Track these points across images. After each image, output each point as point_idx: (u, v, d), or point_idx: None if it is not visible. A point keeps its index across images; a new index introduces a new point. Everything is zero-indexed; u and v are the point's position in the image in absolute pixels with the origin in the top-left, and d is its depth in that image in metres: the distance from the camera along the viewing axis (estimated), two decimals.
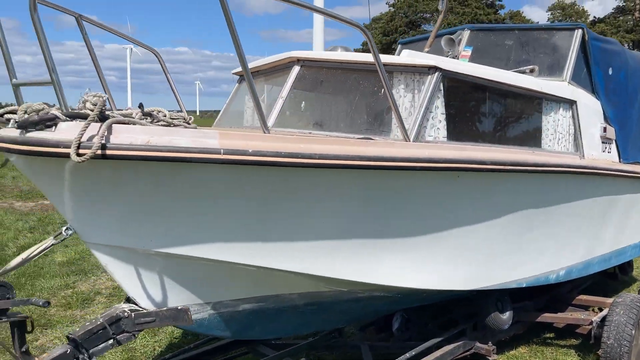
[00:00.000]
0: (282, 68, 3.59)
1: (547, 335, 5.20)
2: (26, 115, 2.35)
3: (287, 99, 3.34)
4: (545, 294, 4.96)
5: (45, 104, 2.47)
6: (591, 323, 4.59)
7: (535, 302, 4.88)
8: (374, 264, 3.11)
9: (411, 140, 2.98)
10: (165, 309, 2.80)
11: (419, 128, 3.04)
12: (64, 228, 2.63)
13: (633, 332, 4.10)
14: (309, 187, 2.70)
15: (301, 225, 2.82)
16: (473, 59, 4.61)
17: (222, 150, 2.34)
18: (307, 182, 2.68)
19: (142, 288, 2.85)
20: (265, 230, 2.78)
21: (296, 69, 3.37)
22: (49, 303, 2.54)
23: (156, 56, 3.73)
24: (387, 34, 52.66)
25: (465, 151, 3.07)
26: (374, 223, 2.99)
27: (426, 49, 4.96)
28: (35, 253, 2.58)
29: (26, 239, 8.87)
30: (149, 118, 2.62)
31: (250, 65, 4.04)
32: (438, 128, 3.18)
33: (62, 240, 2.63)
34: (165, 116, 2.71)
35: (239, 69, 4.29)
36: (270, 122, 3.16)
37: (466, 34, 4.86)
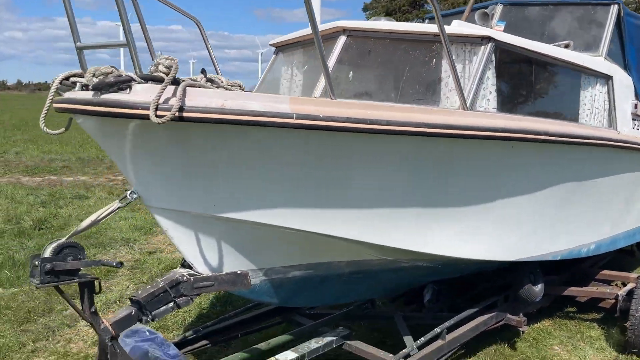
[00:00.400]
0: (326, 38, 3.58)
1: (569, 309, 5.29)
2: (96, 79, 2.35)
3: (333, 69, 3.34)
4: (570, 269, 5.04)
5: (112, 67, 2.47)
6: (616, 297, 4.68)
7: (560, 276, 4.96)
8: (425, 234, 3.15)
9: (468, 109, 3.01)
10: (224, 273, 2.84)
11: (473, 98, 3.07)
12: (128, 192, 2.65)
13: None
14: (371, 154, 2.73)
15: (359, 192, 2.86)
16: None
17: (294, 115, 2.36)
18: (369, 149, 2.71)
19: (199, 253, 2.89)
20: (324, 196, 2.81)
21: (342, 39, 3.36)
22: (122, 264, 2.57)
23: (197, 25, 3.72)
24: (389, 13, 52.30)
25: (520, 122, 3.10)
26: (428, 192, 3.03)
27: None
28: (102, 215, 2.60)
29: (39, 212, 8.87)
30: (211, 84, 2.63)
31: (291, 36, 4.03)
32: (488, 99, 3.21)
33: (127, 204, 2.65)
34: (222, 82, 2.73)
35: (276, 40, 4.28)
36: (317, 93, 3.17)
37: (499, 8, 4.86)
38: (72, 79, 2.50)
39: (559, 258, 4.03)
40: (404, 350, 3.50)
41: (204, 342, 3.79)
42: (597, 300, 5.03)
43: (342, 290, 3.61)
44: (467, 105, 2.99)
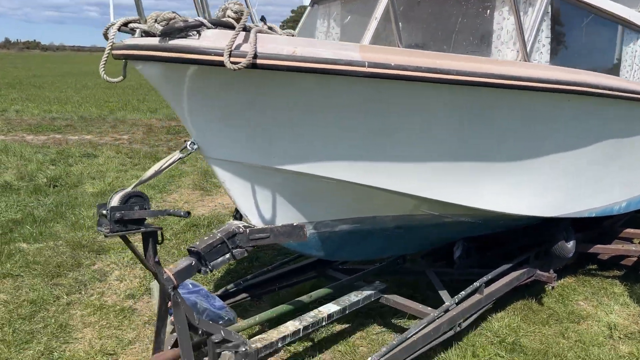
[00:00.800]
0: None
1: (591, 266, 5.37)
2: (159, 24, 2.29)
3: (381, 19, 3.28)
4: (593, 227, 5.09)
5: (174, 12, 2.41)
6: None
7: (584, 234, 5.01)
8: (474, 188, 3.16)
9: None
10: (280, 225, 2.84)
11: (529, 50, 3.03)
12: (188, 142, 2.62)
13: None
14: (434, 105, 2.70)
15: (418, 145, 2.85)
16: None
17: (366, 63, 2.32)
18: (433, 100, 2.68)
19: (254, 205, 2.88)
20: (384, 148, 2.80)
21: None
22: (189, 213, 2.56)
23: None
24: None
25: (580, 75, 3.07)
26: (482, 145, 3.02)
27: None
28: (165, 166, 2.58)
29: (50, 171, 8.82)
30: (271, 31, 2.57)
31: None
32: (541, 52, 3.17)
33: (187, 155, 2.62)
34: (279, 32, 2.67)
35: None
36: (364, 43, 3.12)
37: None
38: (130, 25, 2.43)
39: (593, 215, 4.07)
40: (445, 304, 3.55)
41: (243, 295, 3.83)
42: (619, 257, 5.11)
43: (382, 245, 3.64)
44: (528, 57, 2.95)
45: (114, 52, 2.41)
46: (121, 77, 2.50)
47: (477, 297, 3.71)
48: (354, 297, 3.72)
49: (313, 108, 2.55)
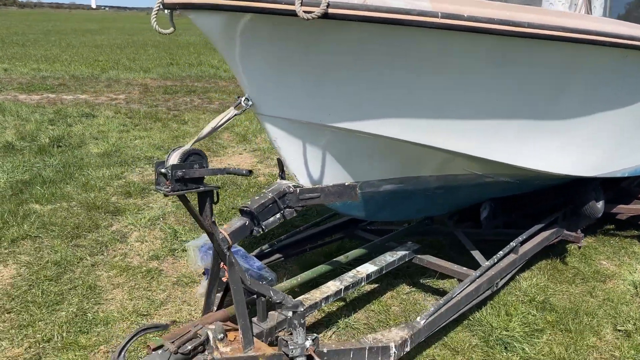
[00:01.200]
0: None
1: (609, 226, 5.41)
2: None
3: None
4: (613, 187, 5.10)
5: None
6: None
7: (606, 194, 5.02)
8: (521, 147, 3.11)
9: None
10: (331, 185, 2.77)
11: (588, 3, 2.94)
12: (242, 99, 2.51)
13: None
14: (496, 60, 2.61)
15: (473, 102, 2.77)
16: None
17: (439, 14, 2.21)
18: (497, 54, 2.59)
19: (304, 164, 2.81)
20: (441, 106, 2.72)
21: None
22: (251, 172, 2.48)
23: None
24: None
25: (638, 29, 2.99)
26: (536, 103, 2.95)
27: None
28: (221, 122, 2.47)
29: (50, 131, 8.61)
30: None
31: None
32: (594, 6, 3.08)
33: (242, 112, 2.52)
34: None
35: None
36: None
37: None
38: None
39: (626, 175, 4.06)
40: (486, 263, 3.55)
41: (277, 255, 3.79)
42: (637, 217, 5.15)
43: (420, 206, 3.60)
44: (581, 11, 2.86)
45: (166, 0, 2.28)
46: (172, 29, 2.37)
47: (512, 256, 3.71)
48: (389, 257, 3.70)
49: (376, 62, 2.45)
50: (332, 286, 3.29)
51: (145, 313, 3.70)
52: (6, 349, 3.27)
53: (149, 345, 2.51)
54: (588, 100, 3.17)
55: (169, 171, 2.24)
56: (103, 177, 6.46)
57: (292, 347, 2.53)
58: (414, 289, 4.14)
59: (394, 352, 2.73)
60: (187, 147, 2.33)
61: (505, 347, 3.40)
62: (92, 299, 3.84)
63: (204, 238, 3.56)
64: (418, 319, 2.92)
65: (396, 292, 4.11)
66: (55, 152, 7.42)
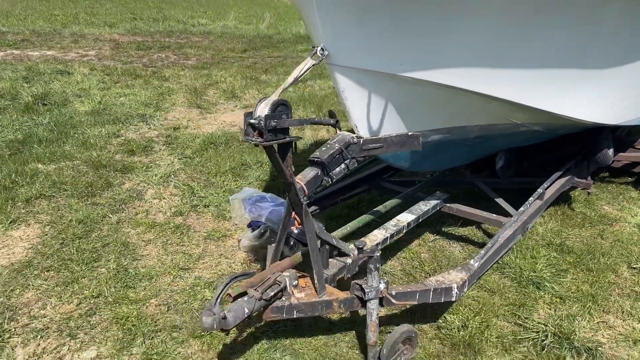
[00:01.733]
0: None
1: (604, 174, 5.70)
2: None
3: None
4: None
5: None
6: None
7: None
8: (566, 96, 3.24)
9: None
10: (394, 135, 2.84)
11: None
12: (318, 49, 2.51)
13: None
14: (553, 8, 2.68)
15: (533, 50, 2.86)
16: None
17: None
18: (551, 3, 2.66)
19: (366, 115, 2.86)
20: (502, 55, 2.80)
21: None
22: (337, 121, 2.50)
23: None
24: None
25: None
26: (585, 52, 3.06)
27: None
28: (302, 73, 2.46)
29: (28, 89, 8.25)
30: None
31: None
32: None
33: (319, 62, 2.52)
34: None
35: None
36: None
37: None
38: None
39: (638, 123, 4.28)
40: (520, 209, 3.72)
41: (314, 207, 3.86)
42: (631, 165, 5.44)
43: (457, 156, 3.72)
44: None
45: None
46: None
47: (538, 202, 3.90)
48: (423, 206, 3.84)
49: (448, 12, 2.49)
50: (379, 234, 3.41)
51: (186, 267, 3.73)
52: (57, 305, 3.27)
53: (229, 294, 2.57)
54: (628, 50, 3.30)
55: (262, 122, 2.25)
56: (100, 135, 6.30)
57: (368, 289, 2.63)
58: (438, 237, 4.31)
59: (456, 293, 2.88)
60: (274, 97, 2.34)
61: (537, 287, 3.62)
62: (129, 256, 3.83)
63: (247, 192, 3.58)
64: (472, 261, 3.08)
65: (422, 240, 4.26)
66: (42, 111, 7.15)
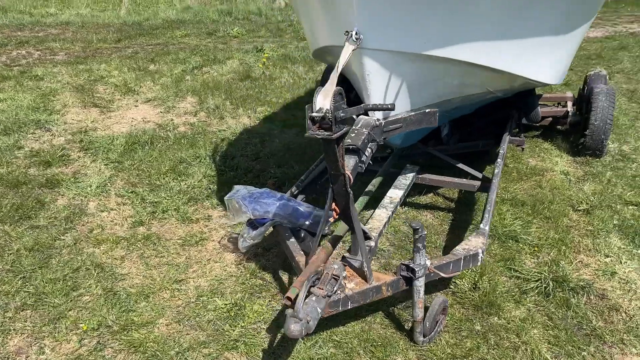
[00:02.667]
0: None
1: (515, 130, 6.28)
2: None
3: None
4: None
5: None
6: (566, 113, 5.77)
7: None
8: (537, 62, 3.50)
9: None
10: (412, 114, 2.89)
11: None
12: (353, 33, 2.44)
13: (613, 113, 5.31)
14: None
15: (528, 27, 3.05)
16: None
17: None
18: None
19: (383, 97, 2.87)
20: (510, 28, 2.94)
21: None
22: (394, 105, 2.43)
23: None
24: None
25: None
26: (555, 23, 3.32)
27: None
28: (346, 59, 2.37)
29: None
30: None
31: None
32: None
33: (358, 46, 2.45)
34: None
35: None
36: None
37: None
38: None
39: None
40: (496, 171, 3.97)
41: (301, 195, 3.79)
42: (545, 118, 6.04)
43: (431, 128, 3.86)
44: None
45: None
46: None
47: (501, 162, 4.21)
48: (404, 180, 3.96)
49: None
50: (382, 214, 3.46)
51: (179, 279, 3.48)
52: (55, 346, 2.88)
53: (288, 297, 2.46)
54: (580, 18, 3.66)
55: (331, 114, 2.15)
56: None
57: (417, 268, 2.68)
58: (406, 208, 4.47)
59: (481, 257, 3.05)
60: (330, 87, 2.24)
61: (515, 240, 3.94)
62: (109, 277, 3.47)
63: (240, 190, 3.38)
64: (482, 225, 3.25)
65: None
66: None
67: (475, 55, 2.90)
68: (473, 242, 3.07)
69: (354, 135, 2.69)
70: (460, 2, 2.63)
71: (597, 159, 5.42)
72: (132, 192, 4.63)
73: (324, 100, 2.21)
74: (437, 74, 2.96)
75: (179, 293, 3.34)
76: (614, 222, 4.23)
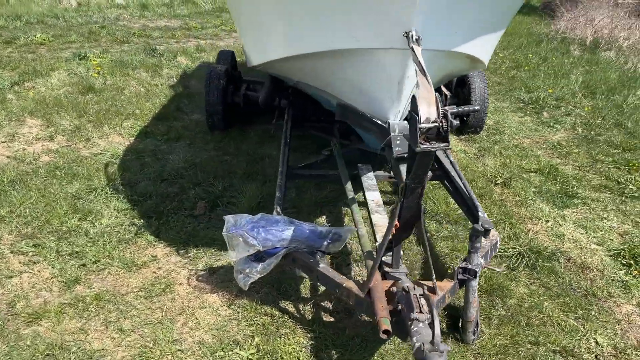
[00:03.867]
0: None
1: None
2: None
3: None
4: None
5: None
6: (446, 97, 6.23)
7: None
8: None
9: None
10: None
11: None
12: (411, 33, 2.24)
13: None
14: None
15: None
16: None
17: None
18: None
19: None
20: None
21: None
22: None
23: None
24: None
25: None
26: None
27: None
28: (420, 59, 2.15)
29: None
30: None
31: None
32: None
33: (419, 46, 2.24)
34: None
35: None
36: None
37: None
38: None
39: None
40: (452, 159, 4.07)
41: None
42: None
43: None
44: None
45: None
46: None
47: None
48: (371, 181, 3.84)
49: None
50: (379, 219, 3.32)
51: (174, 338, 2.91)
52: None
53: (386, 330, 2.23)
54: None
55: (444, 122, 1.96)
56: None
57: (475, 267, 2.65)
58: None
59: (499, 243, 3.14)
60: (432, 93, 2.03)
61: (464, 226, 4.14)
62: None
63: (238, 219, 2.88)
64: (480, 214, 3.32)
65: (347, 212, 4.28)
66: None
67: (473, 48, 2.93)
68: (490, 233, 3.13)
69: (400, 142, 2.52)
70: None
71: (478, 135, 5.96)
72: (35, 246, 3.70)
73: (429, 109, 2.00)
74: (446, 67, 2.93)
75: (186, 355, 2.79)
76: (532, 189, 4.72)
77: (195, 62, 8.99)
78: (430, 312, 2.17)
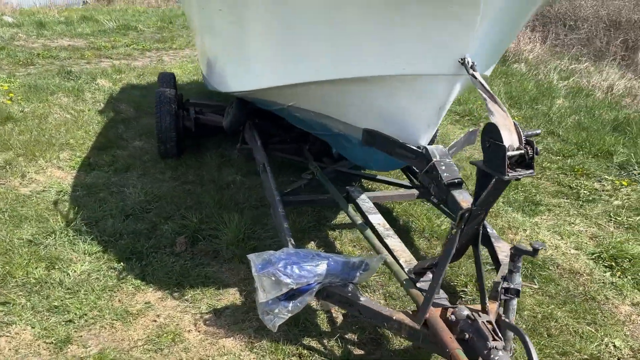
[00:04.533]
0: None
1: None
2: None
3: None
4: None
5: None
6: None
7: None
8: None
9: None
10: (463, 137, 2.82)
11: None
12: (467, 59, 2.22)
13: None
14: None
15: None
16: None
17: None
18: None
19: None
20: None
21: None
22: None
23: None
24: None
25: None
26: None
27: None
28: (482, 80, 2.11)
29: None
30: None
31: None
32: None
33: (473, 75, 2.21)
34: None
35: None
36: None
37: None
38: None
39: None
40: None
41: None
42: None
43: None
44: None
45: None
46: None
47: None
48: (365, 203, 3.80)
49: None
50: (396, 243, 3.27)
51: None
52: None
53: None
54: None
55: (532, 149, 1.95)
56: None
57: (517, 286, 2.67)
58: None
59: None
60: (509, 119, 2.01)
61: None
62: None
63: (264, 257, 2.66)
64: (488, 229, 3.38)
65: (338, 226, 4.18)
66: None
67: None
68: (502, 244, 3.18)
69: (454, 168, 2.50)
70: None
71: None
72: (3, 304, 3.22)
73: (511, 136, 1.99)
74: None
75: None
76: (500, 200, 4.90)
77: (117, 85, 8.43)
78: (503, 338, 2.15)
